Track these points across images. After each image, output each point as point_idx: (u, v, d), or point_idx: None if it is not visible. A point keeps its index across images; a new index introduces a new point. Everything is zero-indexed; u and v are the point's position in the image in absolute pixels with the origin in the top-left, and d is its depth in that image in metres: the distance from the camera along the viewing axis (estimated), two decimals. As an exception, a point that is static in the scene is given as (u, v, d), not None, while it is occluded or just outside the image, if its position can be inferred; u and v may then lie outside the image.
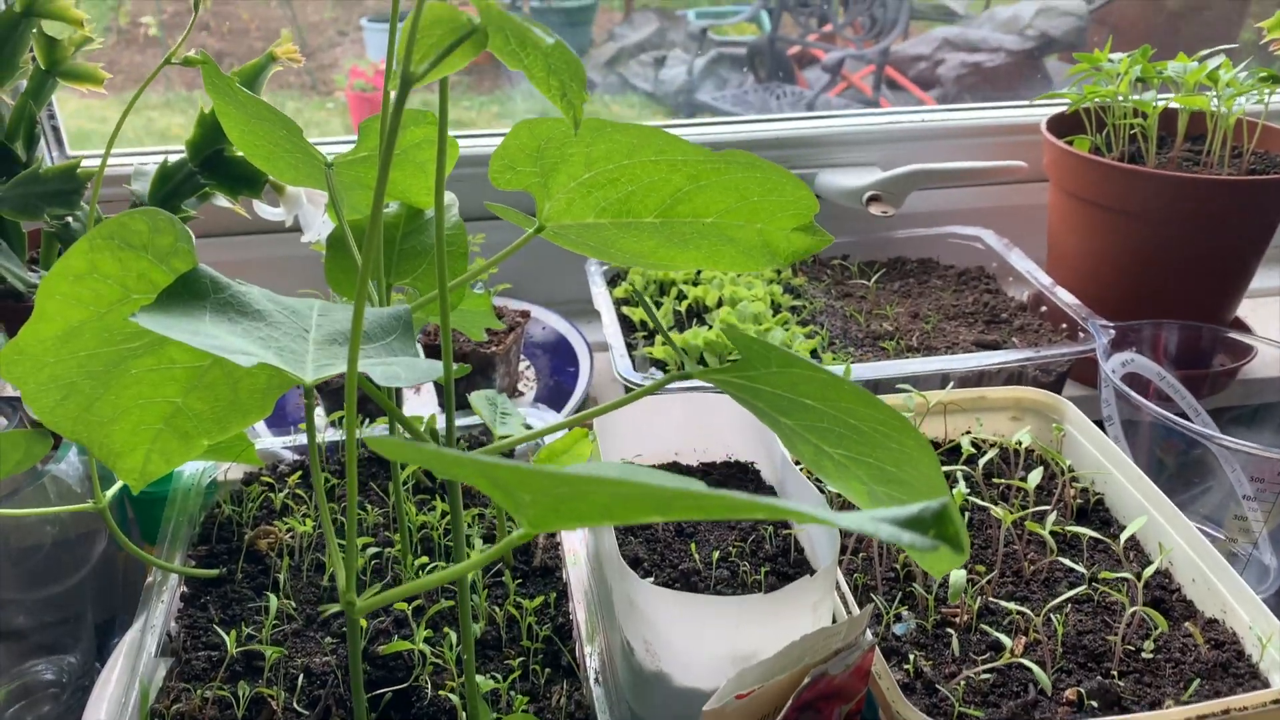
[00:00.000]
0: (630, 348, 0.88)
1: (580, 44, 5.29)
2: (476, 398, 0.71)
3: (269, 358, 0.44)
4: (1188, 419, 0.90)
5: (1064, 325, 0.91)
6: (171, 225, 0.48)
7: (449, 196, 0.69)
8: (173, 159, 0.84)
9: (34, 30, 0.76)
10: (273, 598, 0.63)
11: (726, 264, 0.60)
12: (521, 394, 0.96)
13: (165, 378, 0.52)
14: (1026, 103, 1.17)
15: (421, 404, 0.98)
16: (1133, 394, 0.76)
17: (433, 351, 0.91)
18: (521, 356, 1.00)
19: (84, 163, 0.96)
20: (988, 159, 1.11)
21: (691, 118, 4.09)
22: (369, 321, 0.51)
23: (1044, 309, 0.94)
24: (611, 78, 5.12)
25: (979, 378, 0.84)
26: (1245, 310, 1.03)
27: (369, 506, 0.74)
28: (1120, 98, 0.96)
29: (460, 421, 0.79)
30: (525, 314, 0.96)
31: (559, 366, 0.99)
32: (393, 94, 0.45)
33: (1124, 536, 0.64)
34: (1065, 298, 0.92)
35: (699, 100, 3.85)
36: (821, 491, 0.67)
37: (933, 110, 1.14)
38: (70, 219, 0.79)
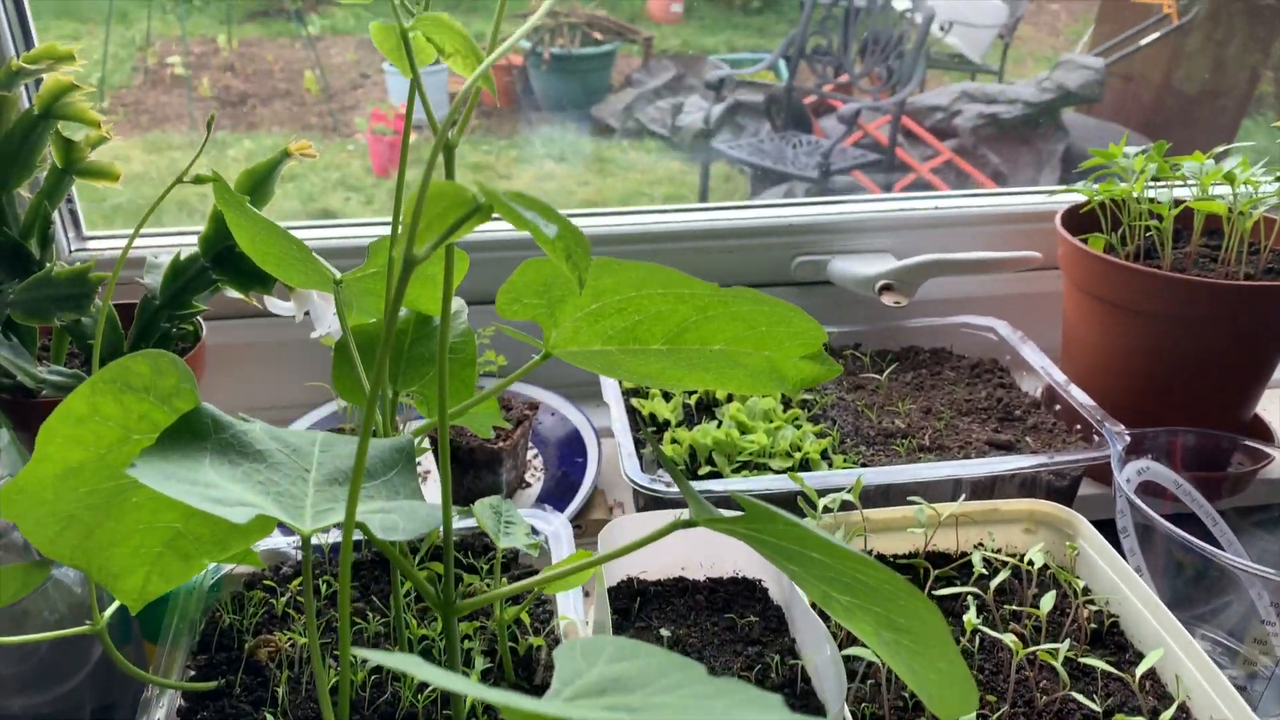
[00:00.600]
0: (639, 444, 0.88)
1: (599, 89, 5.35)
2: (481, 507, 0.71)
3: (267, 506, 0.44)
4: (1206, 527, 0.88)
5: (1078, 426, 0.90)
6: (174, 367, 0.48)
7: (457, 303, 0.69)
8: (185, 253, 0.85)
9: (52, 131, 0.77)
10: (269, 716, 0.62)
11: (735, 386, 0.60)
12: (529, 485, 0.96)
13: (165, 504, 0.52)
14: (1042, 190, 1.17)
15: (427, 492, 0.98)
16: (1147, 509, 0.75)
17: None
18: (529, 445, 0.99)
19: (98, 243, 0.97)
20: (1002, 247, 1.10)
21: (709, 163, 4.12)
22: (370, 456, 0.50)
23: (1058, 407, 0.93)
24: (629, 123, 5.16)
25: (991, 482, 0.83)
26: (1267, 401, 1.02)
27: (370, 615, 0.73)
28: (1135, 195, 0.96)
29: (460, 524, 0.78)
30: (534, 406, 0.96)
31: (567, 456, 0.98)
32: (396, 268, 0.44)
33: (1140, 670, 0.63)
34: (1080, 397, 0.91)
35: (715, 147, 3.87)
36: (827, 622, 0.66)
37: (946, 196, 1.13)
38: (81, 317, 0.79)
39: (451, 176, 0.51)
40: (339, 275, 0.63)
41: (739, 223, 1.09)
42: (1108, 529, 0.79)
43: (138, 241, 1.07)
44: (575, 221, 1.20)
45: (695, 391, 0.94)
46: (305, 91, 5.68)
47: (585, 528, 0.90)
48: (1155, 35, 3.91)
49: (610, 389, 0.93)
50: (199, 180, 0.72)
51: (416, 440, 0.55)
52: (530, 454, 0.99)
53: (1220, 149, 0.99)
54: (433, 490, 0.98)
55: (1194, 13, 3.81)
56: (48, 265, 0.77)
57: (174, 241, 1.04)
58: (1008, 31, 5.38)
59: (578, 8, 5.52)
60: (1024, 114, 3.92)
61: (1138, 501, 0.76)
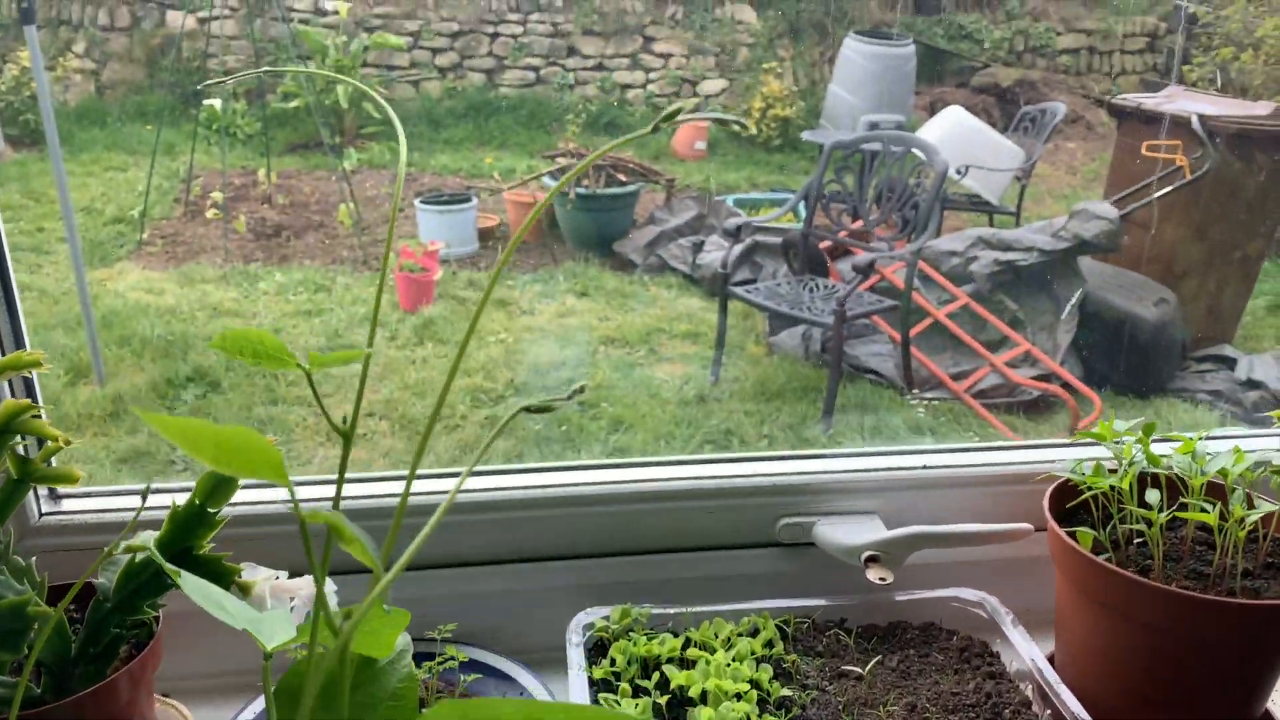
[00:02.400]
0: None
1: (622, 226, 5.46)
2: None
3: None
4: None
5: (1069, 731, 0.87)
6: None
7: (402, 640, 0.68)
8: (140, 557, 0.84)
9: (7, 448, 0.78)
10: None
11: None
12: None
13: None
14: (1035, 444, 1.15)
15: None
16: None
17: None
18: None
19: (72, 503, 0.98)
20: (994, 509, 1.09)
21: (726, 304, 4.13)
22: None
23: (1049, 712, 0.90)
24: (652, 259, 5.25)
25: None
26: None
27: None
28: (1124, 486, 0.94)
29: None
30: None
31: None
32: None
33: None
34: (1070, 703, 0.88)
35: (732, 291, 3.91)
36: None
37: (935, 452, 1.13)
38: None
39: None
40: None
41: (720, 484, 1.08)
42: None
43: (112, 505, 1.07)
44: (547, 478, 1.22)
45: (670, 684, 0.92)
46: (339, 224, 5.85)
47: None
48: (1168, 189, 3.95)
49: (578, 683, 0.91)
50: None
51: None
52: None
53: (1219, 431, 0.97)
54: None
55: (1206, 168, 3.85)
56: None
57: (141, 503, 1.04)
58: (1024, 174, 5.47)
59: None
60: (1039, 261, 3.95)
61: None
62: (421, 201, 5.38)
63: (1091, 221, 3.85)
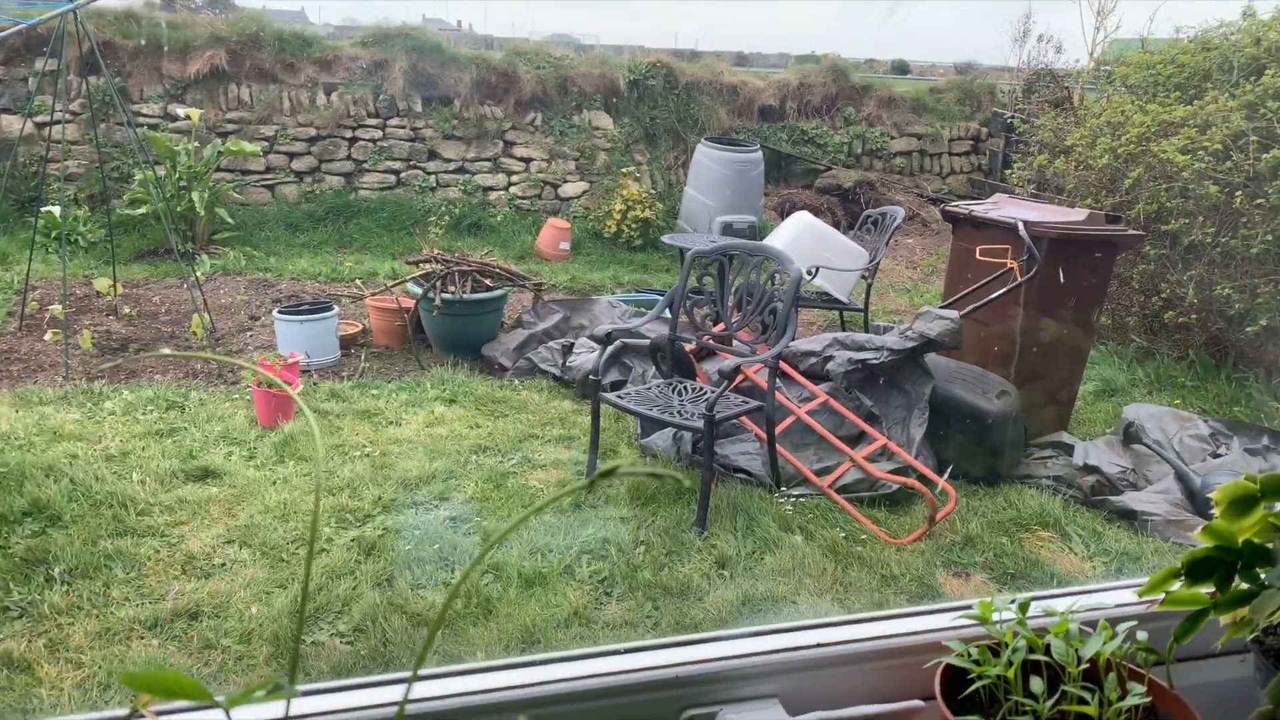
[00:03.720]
0: None
1: (490, 330, 5.47)
2: None
3: None
4: None
5: None
6: None
7: None
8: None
9: None
10: None
11: None
12: None
13: None
14: (921, 611, 1.19)
15: None
16: None
17: None
18: None
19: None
20: (890, 684, 1.12)
21: (599, 408, 4.18)
22: None
23: None
24: (521, 362, 5.27)
25: None
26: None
27: None
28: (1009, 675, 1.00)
29: None
30: None
31: None
32: None
33: None
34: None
35: (605, 398, 3.95)
36: None
37: (828, 626, 1.15)
38: None
39: None
40: None
41: (622, 680, 1.06)
42: None
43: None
44: (435, 687, 1.17)
45: None
46: (191, 335, 5.63)
47: None
48: (1003, 290, 4.27)
49: None
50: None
51: None
52: None
53: (1074, 589, 1.05)
54: None
55: (1034, 270, 4.18)
56: None
57: None
58: (870, 273, 5.81)
59: (467, 255, 5.71)
60: (890, 360, 4.17)
61: None
62: (280, 311, 5.24)
63: (936, 322, 4.11)
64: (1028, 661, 0.98)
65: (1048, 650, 0.90)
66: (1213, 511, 0.73)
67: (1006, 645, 0.96)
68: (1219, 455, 4.16)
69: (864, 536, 3.54)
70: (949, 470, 3.87)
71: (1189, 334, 5.50)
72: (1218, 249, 5.24)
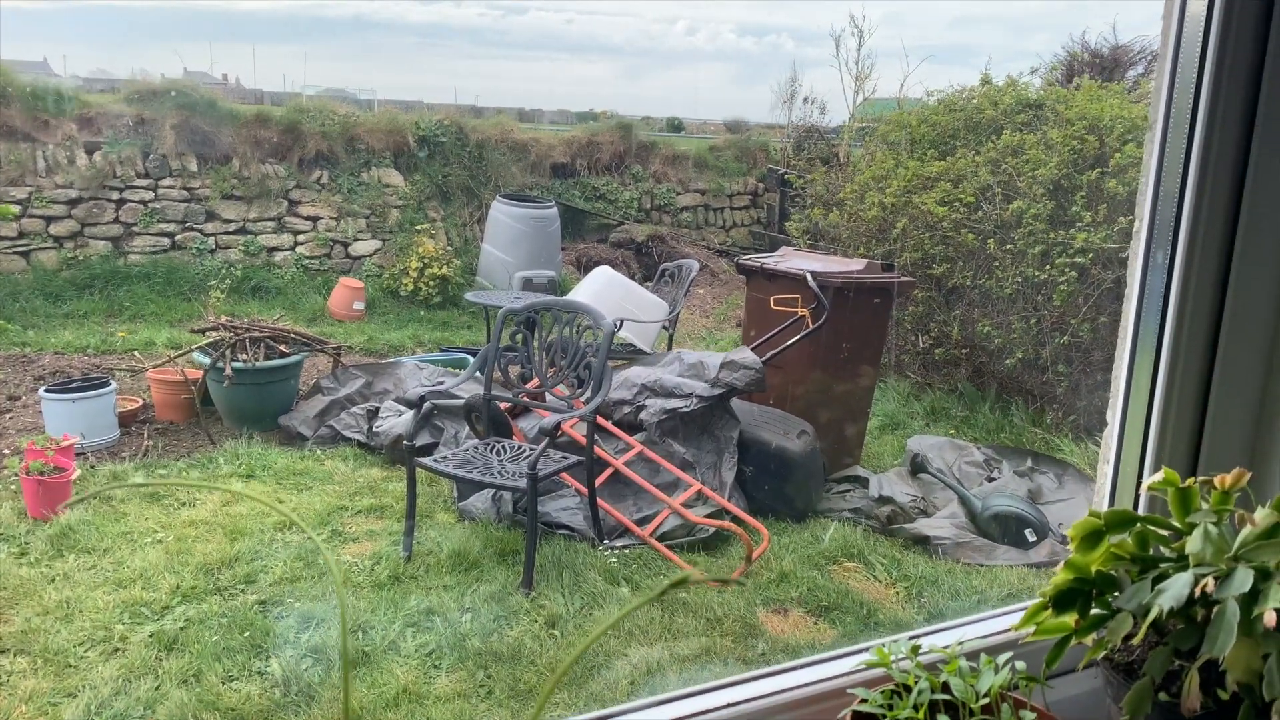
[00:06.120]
0: None
1: (287, 399, 5.21)
2: None
3: None
4: None
5: None
6: None
7: None
8: None
9: None
10: None
11: None
12: None
13: None
14: (837, 655, 1.24)
15: None
16: None
17: None
18: None
19: None
20: None
21: (414, 474, 4.06)
22: None
23: None
24: (323, 430, 5.05)
25: None
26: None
27: None
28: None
29: None
30: None
31: None
32: None
33: None
34: None
35: (420, 463, 3.85)
36: None
37: (740, 684, 1.16)
38: None
39: None
40: None
41: None
42: None
43: None
44: None
45: None
46: (-66, 420, 5.01)
47: None
48: (797, 337, 4.54)
49: None
50: None
51: None
52: None
53: (947, 624, 1.13)
54: None
55: (824, 318, 4.48)
56: None
57: None
58: (671, 324, 6.01)
59: (260, 320, 5.45)
60: (700, 407, 4.32)
61: None
62: (48, 390, 4.78)
63: (740, 371, 4.30)
64: (933, 701, 1.04)
65: (946, 688, 0.96)
66: (1067, 547, 0.82)
67: (910, 689, 1.03)
68: (993, 479, 4.58)
69: (688, 582, 3.62)
70: (761, 509, 4.04)
71: (957, 368, 6.03)
72: (976, 290, 5.81)
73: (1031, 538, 4.04)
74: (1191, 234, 1.05)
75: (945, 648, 0.99)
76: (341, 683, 2.82)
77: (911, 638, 1.02)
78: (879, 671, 0.99)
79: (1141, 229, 1.11)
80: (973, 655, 0.98)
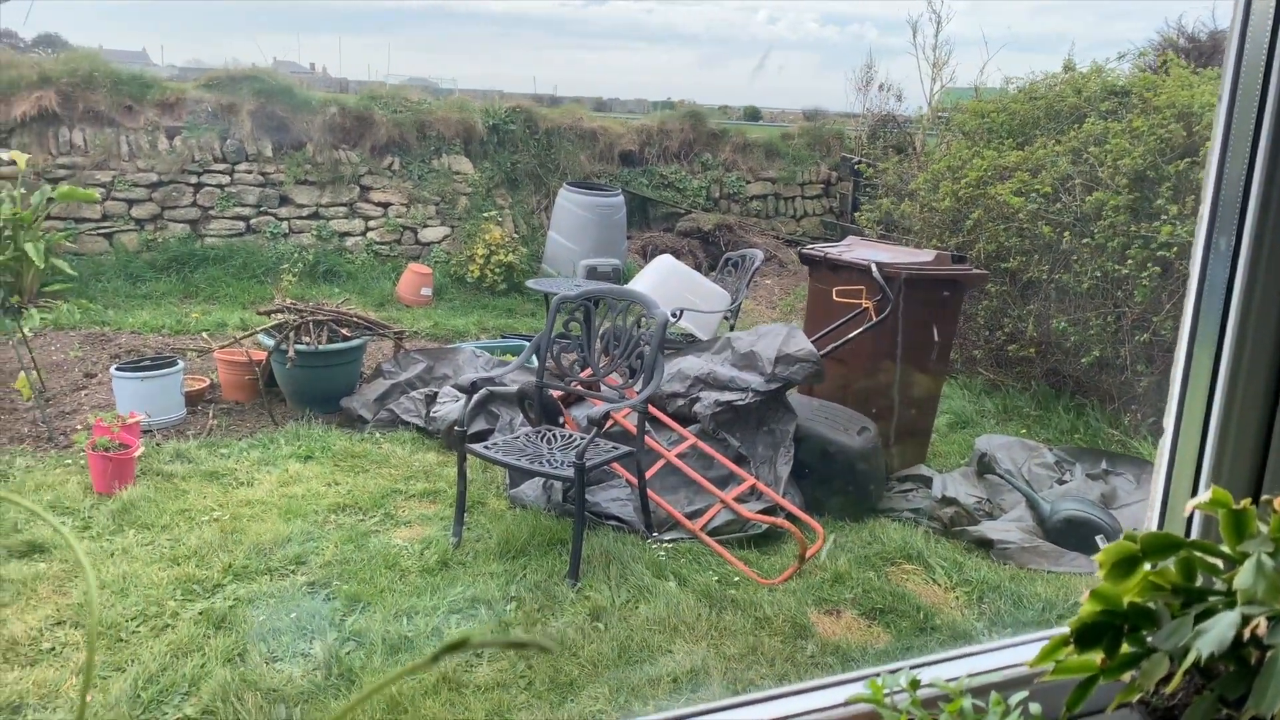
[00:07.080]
0: None
1: (349, 382, 5.27)
2: None
3: None
4: None
5: None
6: None
7: None
8: None
9: None
10: None
11: None
12: None
13: None
14: (825, 685, 1.16)
15: None
16: None
17: None
18: None
19: None
20: None
21: (465, 460, 4.06)
22: None
23: None
24: (382, 414, 5.08)
25: None
26: None
27: None
28: None
29: None
30: None
31: None
32: None
33: None
34: None
35: (471, 449, 3.84)
36: None
37: (736, 707, 1.10)
38: None
39: None
40: None
41: None
42: None
43: None
44: None
45: None
46: (16, 394, 5.20)
47: None
48: (860, 329, 4.40)
49: None
50: None
51: None
52: None
53: (951, 654, 1.04)
54: None
55: (888, 310, 4.33)
56: None
57: None
58: (732, 314, 5.90)
59: (324, 303, 5.51)
60: (755, 401, 4.22)
61: None
62: (118, 369, 4.91)
63: (797, 365, 4.19)
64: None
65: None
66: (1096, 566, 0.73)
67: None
68: (1064, 481, 4.38)
69: (737, 579, 3.54)
70: (817, 506, 3.93)
71: (1031, 366, 5.80)
72: (1053, 285, 5.57)
73: (1103, 544, 3.85)
74: (1260, 219, 0.93)
75: (951, 680, 0.89)
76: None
77: (914, 667, 0.93)
78: (868, 708, 0.90)
79: (1205, 212, 1.00)
80: (982, 691, 0.88)
